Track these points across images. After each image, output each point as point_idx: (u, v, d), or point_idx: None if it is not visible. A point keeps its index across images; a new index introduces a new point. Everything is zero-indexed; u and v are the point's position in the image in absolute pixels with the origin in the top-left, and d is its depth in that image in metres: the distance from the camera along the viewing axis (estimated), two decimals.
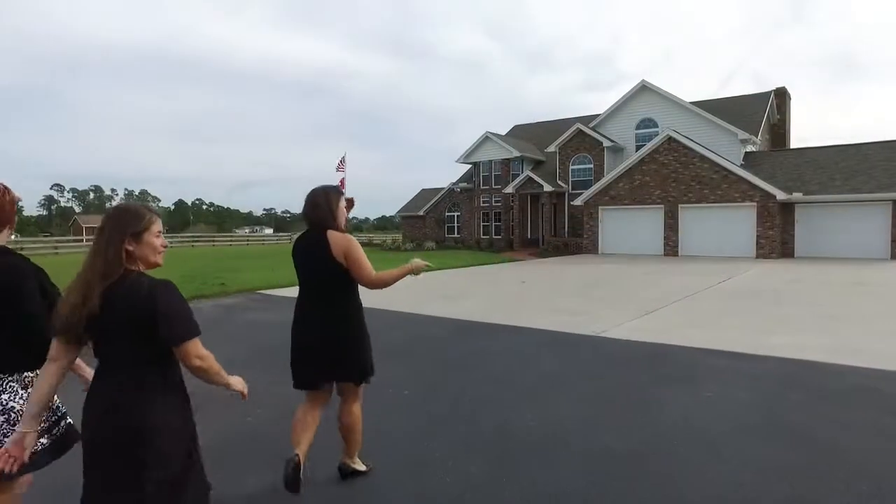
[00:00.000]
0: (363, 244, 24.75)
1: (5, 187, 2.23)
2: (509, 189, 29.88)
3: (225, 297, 11.50)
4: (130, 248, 1.91)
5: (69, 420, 2.30)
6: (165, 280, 1.92)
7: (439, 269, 16.79)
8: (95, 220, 72.18)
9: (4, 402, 2.10)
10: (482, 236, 32.94)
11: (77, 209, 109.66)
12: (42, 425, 2.11)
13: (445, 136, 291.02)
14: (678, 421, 4.06)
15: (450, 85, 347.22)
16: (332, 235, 2.92)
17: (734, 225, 21.54)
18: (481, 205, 33.28)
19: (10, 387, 2.14)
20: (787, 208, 21.36)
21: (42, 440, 2.14)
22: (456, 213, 36.06)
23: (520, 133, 36.56)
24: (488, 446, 3.67)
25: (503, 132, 35.33)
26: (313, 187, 3.07)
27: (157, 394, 1.88)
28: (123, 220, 1.94)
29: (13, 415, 2.10)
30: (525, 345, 6.71)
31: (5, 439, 2.04)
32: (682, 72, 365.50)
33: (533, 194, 29.78)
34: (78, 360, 2.19)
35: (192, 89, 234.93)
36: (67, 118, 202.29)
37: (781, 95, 29.79)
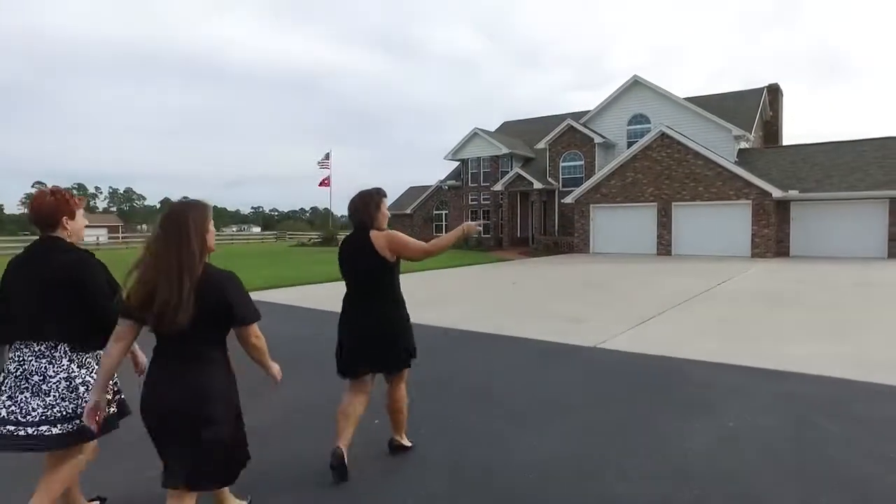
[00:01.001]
0: None
1: (52, 189, 2.58)
2: (498, 186, 29.19)
3: None
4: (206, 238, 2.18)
5: (122, 396, 2.67)
6: (229, 271, 2.23)
7: (423, 270, 16.07)
8: None
9: (83, 376, 2.47)
10: (470, 235, 32.27)
11: None
12: (110, 395, 2.52)
13: (436, 134, 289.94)
14: (699, 459, 3.38)
15: (440, 83, 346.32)
16: (374, 234, 3.19)
17: (729, 223, 21.00)
18: (469, 203, 32.56)
19: (88, 363, 2.51)
20: (783, 206, 20.87)
21: (111, 408, 2.54)
22: (444, 212, 35.32)
23: (509, 130, 35.86)
24: (469, 497, 2.96)
25: (493, 129, 34.63)
26: (359, 191, 3.32)
27: (216, 368, 2.18)
28: (202, 215, 2.20)
29: (90, 388, 2.42)
30: (518, 358, 6.02)
31: (75, 409, 2.42)
32: (672, 72, 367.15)
33: (522, 192, 29.12)
34: (134, 346, 2.51)
35: (179, 86, 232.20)
36: (50, 115, 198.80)
37: (774, 92, 29.35)
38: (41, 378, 2.38)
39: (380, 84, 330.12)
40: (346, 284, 3.32)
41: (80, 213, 2.60)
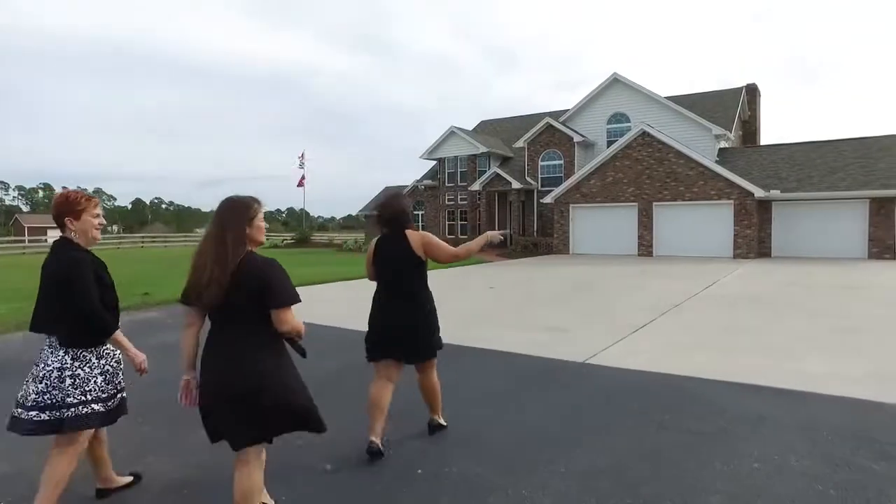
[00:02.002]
0: (323, 245, 22.72)
1: (61, 191, 2.77)
2: (476, 186, 28.48)
3: (145, 310, 9.77)
4: (247, 231, 2.41)
5: (124, 395, 2.84)
6: (271, 258, 2.45)
7: None
8: (40, 220, 67.82)
9: (74, 369, 2.59)
10: (448, 236, 31.37)
11: (24, 208, 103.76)
12: (102, 394, 2.66)
13: (414, 134, 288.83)
14: None
15: (418, 84, 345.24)
16: (411, 234, 3.47)
17: (710, 224, 20.58)
18: (446, 203, 31.79)
19: (84, 356, 2.63)
20: (764, 206, 20.53)
21: (97, 406, 2.63)
22: (420, 212, 34.51)
23: (487, 129, 35.22)
24: None
25: (470, 129, 33.92)
26: (387, 193, 3.35)
27: (269, 343, 2.41)
28: (241, 209, 2.43)
29: (78, 381, 2.59)
30: (497, 378, 5.27)
31: (62, 399, 2.55)
32: (649, 73, 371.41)
33: (500, 192, 28.45)
34: (128, 344, 2.79)
35: (152, 85, 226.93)
36: (15, 112, 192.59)
37: (752, 92, 29.18)
38: (40, 366, 2.57)
39: (358, 84, 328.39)
40: (380, 279, 3.60)
41: (88, 213, 2.69)
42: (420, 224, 34.00)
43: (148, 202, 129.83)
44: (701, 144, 22.95)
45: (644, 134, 21.93)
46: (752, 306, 9.15)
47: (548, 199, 24.45)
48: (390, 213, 3.53)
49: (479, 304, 10.05)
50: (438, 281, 13.94)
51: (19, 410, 2.55)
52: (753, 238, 19.98)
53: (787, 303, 9.49)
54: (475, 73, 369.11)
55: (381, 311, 3.57)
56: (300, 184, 39.73)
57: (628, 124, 25.18)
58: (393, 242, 3.50)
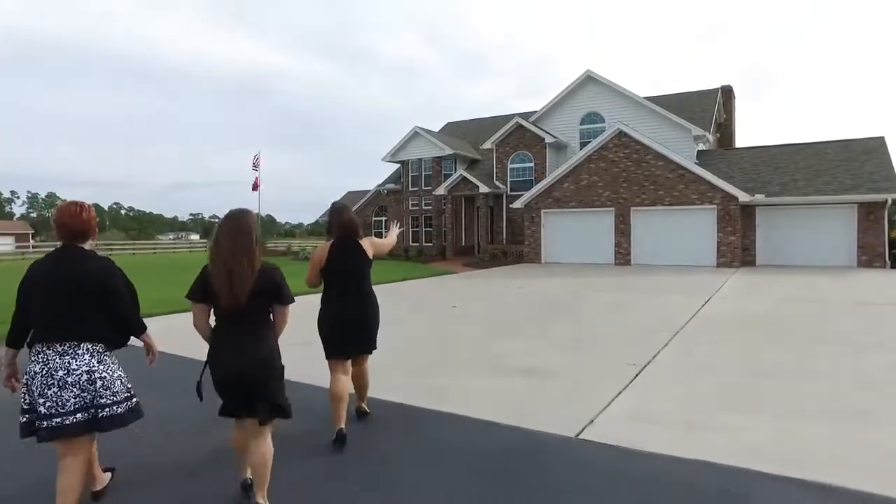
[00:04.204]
0: (280, 253, 20.18)
1: (83, 204, 2.81)
2: (441, 190, 26.57)
3: None
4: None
5: (108, 412, 2.67)
6: (276, 265, 2.90)
7: None
8: None
9: (101, 371, 2.65)
10: (412, 243, 29.34)
11: None
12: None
13: (380, 139, 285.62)
14: None
15: (384, 89, 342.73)
16: (363, 240, 4.00)
17: (692, 230, 19.11)
18: (410, 208, 29.79)
19: (105, 360, 2.71)
20: (747, 211, 19.19)
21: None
22: (383, 218, 32.51)
23: (453, 130, 33.39)
24: None
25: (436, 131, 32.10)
26: (339, 204, 4.16)
27: (271, 335, 2.87)
28: (255, 220, 2.85)
29: (106, 382, 2.66)
30: (445, 468, 3.34)
31: (92, 399, 2.63)
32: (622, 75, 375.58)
33: (467, 196, 26.61)
34: (149, 337, 3.03)
35: (112, 87, 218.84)
36: None
37: (727, 94, 28.06)
38: (66, 373, 2.56)
39: (324, 88, 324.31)
40: (335, 281, 3.90)
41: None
42: (383, 231, 32.03)
43: (106, 208, 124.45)
44: (680, 146, 21.52)
45: (621, 134, 20.40)
46: (769, 332, 7.46)
47: (518, 204, 22.72)
48: (346, 222, 3.93)
49: (436, 332, 8.14)
50: (395, 297, 11.89)
51: (58, 420, 2.52)
52: (737, 246, 18.57)
53: (806, 327, 7.85)
54: (445, 78, 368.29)
55: (339, 309, 3.85)
56: (255, 187, 37.45)
57: (602, 125, 23.70)
58: (351, 247, 3.90)
